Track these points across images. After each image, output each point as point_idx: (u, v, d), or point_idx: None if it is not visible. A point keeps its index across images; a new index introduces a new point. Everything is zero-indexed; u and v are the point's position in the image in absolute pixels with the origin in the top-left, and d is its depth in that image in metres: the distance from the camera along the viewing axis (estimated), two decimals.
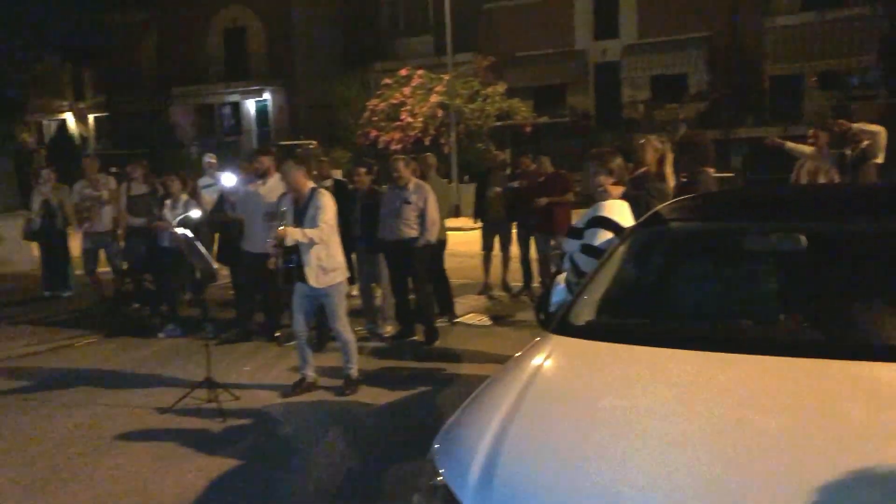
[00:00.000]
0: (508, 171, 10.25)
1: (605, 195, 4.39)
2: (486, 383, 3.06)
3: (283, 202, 6.19)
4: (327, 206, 5.98)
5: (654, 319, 3.54)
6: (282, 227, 5.80)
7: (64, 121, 38.05)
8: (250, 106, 31.10)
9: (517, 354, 3.27)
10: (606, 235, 4.22)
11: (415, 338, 7.75)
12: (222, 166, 10.44)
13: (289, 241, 5.82)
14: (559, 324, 3.42)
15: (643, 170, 5.71)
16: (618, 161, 4.47)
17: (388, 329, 8.04)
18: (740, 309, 3.50)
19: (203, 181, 9.87)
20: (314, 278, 5.96)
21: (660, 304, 3.74)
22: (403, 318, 7.88)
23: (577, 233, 4.41)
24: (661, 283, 3.88)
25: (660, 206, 4.25)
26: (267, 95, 30.27)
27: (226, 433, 5.36)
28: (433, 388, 6.36)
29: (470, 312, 8.86)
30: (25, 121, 40.26)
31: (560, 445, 2.52)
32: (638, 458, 2.35)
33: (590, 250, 4.24)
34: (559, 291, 3.76)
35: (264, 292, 7.92)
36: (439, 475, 2.56)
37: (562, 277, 3.99)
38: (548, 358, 3.15)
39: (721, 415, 2.54)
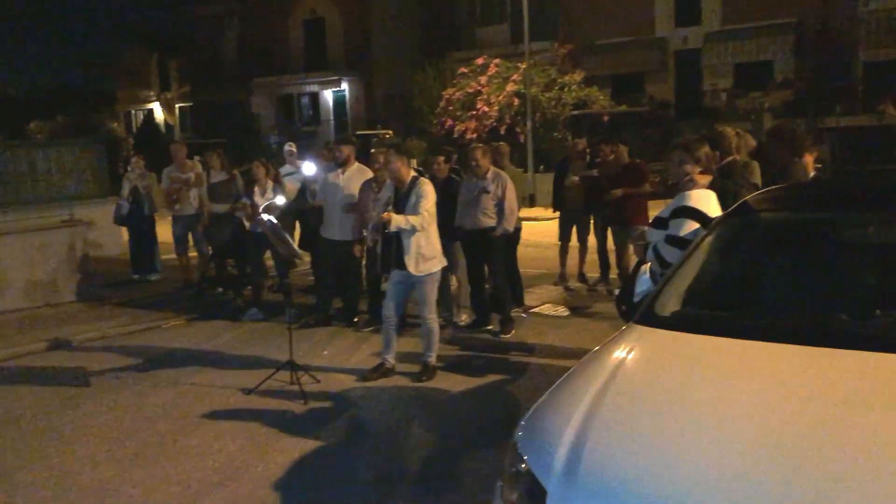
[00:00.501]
0: (587, 160, 10.11)
1: (692, 184, 4.30)
2: (569, 372, 3.04)
3: (385, 189, 6.34)
4: (428, 194, 6.06)
5: (743, 311, 3.45)
6: (385, 213, 5.90)
7: (151, 110, 39.46)
8: (328, 96, 31.61)
9: (598, 347, 3.23)
10: (692, 226, 4.14)
11: (490, 327, 7.76)
12: (300, 155, 10.66)
13: (392, 227, 5.92)
14: (643, 314, 3.38)
15: (730, 159, 5.58)
16: (705, 149, 4.37)
17: (464, 318, 8.06)
18: (834, 302, 3.38)
19: (284, 169, 10.08)
20: (413, 265, 6.04)
21: (748, 295, 3.64)
22: (479, 307, 7.89)
23: (661, 223, 4.34)
24: (750, 274, 3.78)
25: (749, 196, 4.13)
26: (344, 85, 30.71)
27: (308, 415, 5.49)
28: (509, 377, 6.36)
29: (546, 303, 8.81)
30: (114, 111, 42.06)
31: (647, 437, 2.49)
32: (731, 454, 2.30)
33: (675, 241, 4.17)
34: (643, 282, 3.70)
35: (342, 278, 8.07)
36: (523, 462, 2.57)
37: (646, 268, 3.93)
38: (632, 348, 3.12)
39: (819, 412, 2.46)
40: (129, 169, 11.19)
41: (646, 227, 4.84)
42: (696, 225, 4.15)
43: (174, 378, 6.43)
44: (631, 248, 8.91)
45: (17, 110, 42.59)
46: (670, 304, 3.42)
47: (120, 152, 27.58)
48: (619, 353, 3.06)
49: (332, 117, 31.53)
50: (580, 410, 2.62)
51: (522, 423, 2.79)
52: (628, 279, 4.07)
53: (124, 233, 11.77)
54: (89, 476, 4.48)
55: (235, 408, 5.66)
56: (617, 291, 8.90)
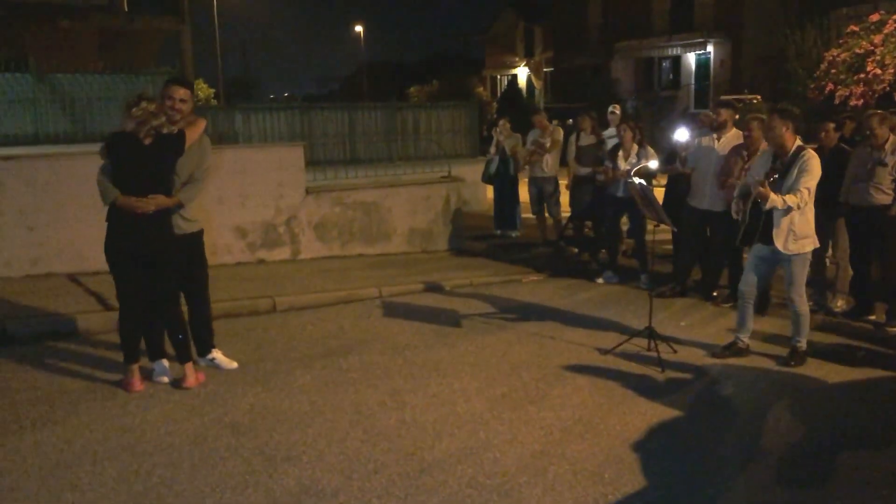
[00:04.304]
0: None
1: None
2: None
3: (763, 158, 5.94)
4: (813, 169, 5.54)
5: None
6: (762, 187, 5.46)
7: (514, 76, 41.51)
8: (690, 59, 30.43)
9: None
10: None
11: (872, 317, 6.94)
12: (660, 121, 10.37)
13: (768, 205, 5.53)
14: None
15: None
16: None
17: (840, 304, 7.31)
18: None
19: (608, 132, 9.91)
20: (782, 243, 5.64)
21: None
22: (861, 294, 7.08)
23: None
24: None
25: None
26: (709, 48, 29.29)
27: (666, 383, 5.43)
28: (893, 374, 5.66)
29: None
30: (482, 76, 45.05)
31: None
32: None
33: None
34: None
35: (706, 250, 7.77)
36: None
37: None
38: None
39: None
40: (497, 131, 11.91)
41: None
42: None
43: (534, 330, 6.76)
44: None
45: (403, 76, 47.99)
46: None
47: (484, 116, 29.48)
48: None
49: (692, 81, 30.32)
50: None
51: None
52: None
53: (489, 190, 12.62)
54: (463, 407, 4.93)
55: (592, 365, 5.80)
56: None
